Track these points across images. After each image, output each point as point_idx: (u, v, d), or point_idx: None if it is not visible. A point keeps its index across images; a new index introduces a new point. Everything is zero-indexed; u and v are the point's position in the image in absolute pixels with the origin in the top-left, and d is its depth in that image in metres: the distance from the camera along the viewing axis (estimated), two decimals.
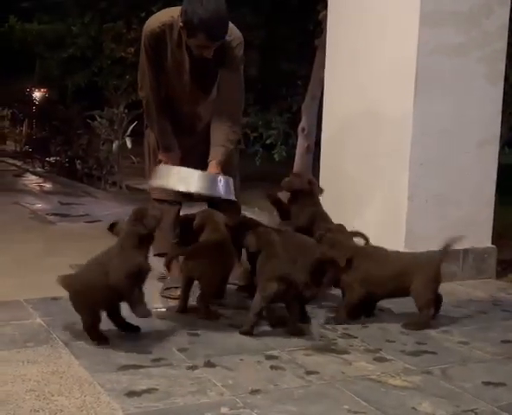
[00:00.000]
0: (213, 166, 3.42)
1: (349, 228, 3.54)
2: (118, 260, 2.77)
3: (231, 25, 3.42)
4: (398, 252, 3.55)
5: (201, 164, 3.58)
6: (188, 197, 3.70)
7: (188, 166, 3.41)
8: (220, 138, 3.48)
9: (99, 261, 2.85)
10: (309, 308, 3.30)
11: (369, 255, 3.33)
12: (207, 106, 3.66)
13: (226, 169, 3.49)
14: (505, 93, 4.38)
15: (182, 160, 3.60)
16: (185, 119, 3.67)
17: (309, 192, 3.76)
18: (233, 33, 3.46)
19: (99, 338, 2.81)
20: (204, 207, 3.71)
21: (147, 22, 3.51)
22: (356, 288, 3.22)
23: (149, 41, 3.44)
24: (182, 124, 3.66)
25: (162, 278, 3.77)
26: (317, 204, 3.81)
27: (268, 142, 8.40)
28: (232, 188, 3.34)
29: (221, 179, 3.30)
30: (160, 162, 3.60)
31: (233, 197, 3.38)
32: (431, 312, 3.22)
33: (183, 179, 3.25)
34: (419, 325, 3.19)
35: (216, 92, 3.61)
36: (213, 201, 3.74)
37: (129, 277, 2.73)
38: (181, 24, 3.33)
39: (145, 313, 2.80)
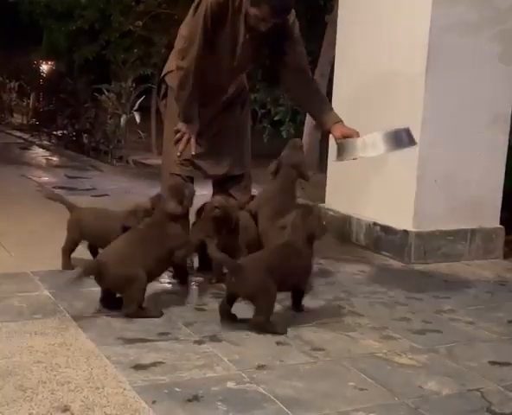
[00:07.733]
0: (343, 127, 3.47)
1: (356, 207, 3.44)
2: None
3: None
4: None
5: (218, 136, 3.62)
6: (203, 173, 3.67)
7: (207, 138, 3.58)
8: (326, 103, 3.61)
9: None
10: (315, 284, 3.31)
11: None
12: (238, 80, 3.67)
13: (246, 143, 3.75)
14: None
15: (200, 132, 3.57)
16: (214, 91, 3.59)
17: None
18: None
19: None
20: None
21: None
22: None
23: (211, 11, 3.29)
24: (209, 95, 3.58)
25: None
26: None
27: (276, 118, 8.36)
28: (411, 133, 3.34)
29: (402, 131, 3.33)
30: (177, 132, 3.55)
31: (416, 142, 3.38)
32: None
33: (370, 145, 3.31)
34: None
35: (286, 66, 3.53)
36: (221, 180, 3.71)
37: None
38: None
39: None
